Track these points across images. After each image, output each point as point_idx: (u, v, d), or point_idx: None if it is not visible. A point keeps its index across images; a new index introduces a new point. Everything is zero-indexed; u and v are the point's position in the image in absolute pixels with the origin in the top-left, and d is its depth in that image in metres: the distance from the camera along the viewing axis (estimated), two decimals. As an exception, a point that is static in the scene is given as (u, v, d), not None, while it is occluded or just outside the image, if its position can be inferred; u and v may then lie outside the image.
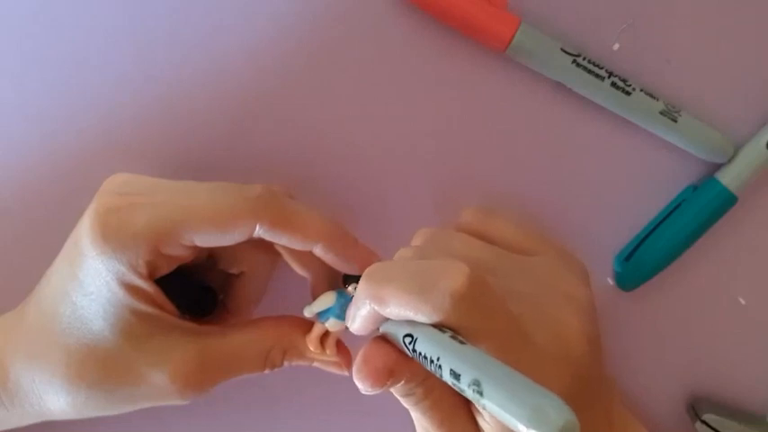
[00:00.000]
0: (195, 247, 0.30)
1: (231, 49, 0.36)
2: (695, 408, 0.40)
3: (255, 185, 0.31)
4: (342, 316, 0.31)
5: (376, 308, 0.26)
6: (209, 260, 0.34)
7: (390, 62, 0.37)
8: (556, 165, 0.39)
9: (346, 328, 0.30)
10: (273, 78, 0.37)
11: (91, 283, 0.29)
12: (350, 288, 0.32)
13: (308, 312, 0.33)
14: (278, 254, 0.34)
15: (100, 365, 0.30)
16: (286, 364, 0.33)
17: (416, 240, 0.33)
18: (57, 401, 0.30)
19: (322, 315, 0.32)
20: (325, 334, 0.33)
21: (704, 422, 0.39)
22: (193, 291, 0.34)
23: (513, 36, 0.35)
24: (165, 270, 0.30)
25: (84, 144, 0.36)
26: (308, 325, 0.33)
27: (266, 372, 0.33)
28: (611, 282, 0.40)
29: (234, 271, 0.34)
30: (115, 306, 0.29)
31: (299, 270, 0.34)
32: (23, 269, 0.32)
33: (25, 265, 0.33)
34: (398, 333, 0.26)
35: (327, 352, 0.33)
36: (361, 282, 0.27)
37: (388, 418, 0.37)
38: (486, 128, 0.38)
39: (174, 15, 0.36)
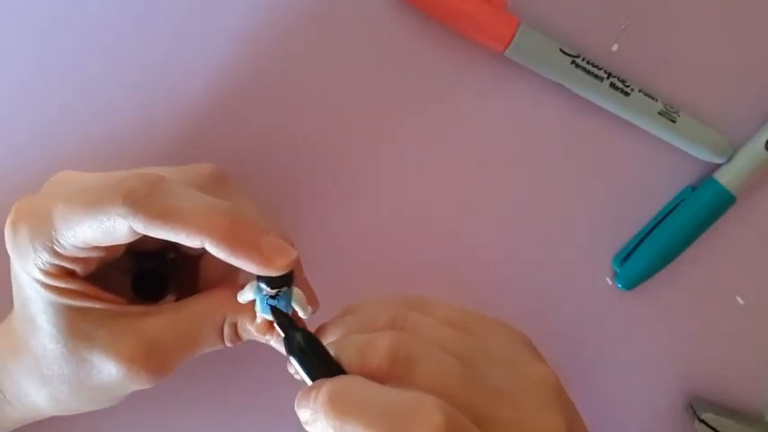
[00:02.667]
0: (101, 248, 0.29)
1: (229, 50, 0.36)
2: (694, 407, 0.40)
3: (132, 175, 0.28)
4: (266, 311, 0.29)
5: None
6: (167, 243, 0.33)
7: (390, 62, 0.37)
8: (554, 165, 0.39)
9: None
10: (272, 78, 0.37)
11: (24, 287, 0.29)
12: (261, 284, 0.29)
13: (240, 299, 0.30)
14: None
15: (61, 361, 0.30)
16: (243, 339, 0.32)
17: (373, 310, 0.30)
18: (40, 397, 0.31)
19: (255, 304, 0.30)
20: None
21: (703, 421, 0.39)
22: (140, 275, 0.33)
23: (512, 37, 0.36)
24: (83, 270, 0.29)
25: (84, 144, 0.36)
26: None
27: (229, 345, 0.32)
28: (609, 281, 0.40)
29: (192, 252, 0.33)
30: (51, 306, 0.29)
31: None
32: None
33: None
34: None
35: (275, 337, 0.31)
36: (321, 401, 0.25)
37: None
38: (485, 128, 0.39)
39: (173, 15, 0.36)
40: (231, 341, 0.31)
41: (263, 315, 0.30)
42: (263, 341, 0.31)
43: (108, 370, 0.29)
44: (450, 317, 0.30)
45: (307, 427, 0.26)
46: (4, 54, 0.36)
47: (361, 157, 0.38)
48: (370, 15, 0.37)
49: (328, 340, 0.29)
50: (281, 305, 0.29)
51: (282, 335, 0.28)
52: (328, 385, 0.25)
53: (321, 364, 0.27)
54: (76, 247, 0.28)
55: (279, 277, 0.28)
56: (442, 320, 0.29)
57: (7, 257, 0.29)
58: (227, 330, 0.31)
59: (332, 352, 0.28)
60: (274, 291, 0.29)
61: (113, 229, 0.27)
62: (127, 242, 0.28)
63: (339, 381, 0.26)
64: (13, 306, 0.32)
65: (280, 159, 0.37)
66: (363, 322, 0.29)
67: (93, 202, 0.27)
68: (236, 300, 0.31)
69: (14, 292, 0.31)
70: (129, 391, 0.31)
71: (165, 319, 0.30)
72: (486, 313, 0.31)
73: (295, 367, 0.28)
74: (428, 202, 0.39)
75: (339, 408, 0.24)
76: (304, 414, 0.26)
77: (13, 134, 0.36)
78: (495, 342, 0.29)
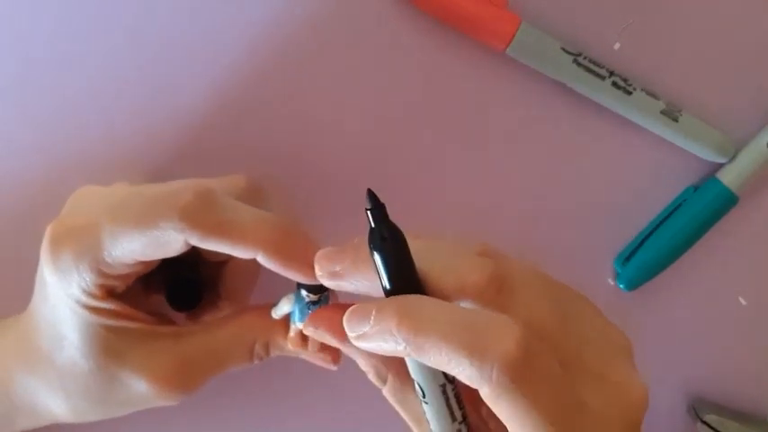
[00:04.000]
0: (144, 263, 0.29)
1: (229, 50, 0.36)
2: (696, 409, 0.40)
3: (186, 190, 0.28)
4: (304, 320, 0.29)
5: (411, 353, 0.23)
6: (193, 251, 0.34)
7: (390, 62, 0.37)
8: (556, 164, 0.39)
9: None
10: (272, 79, 0.37)
11: (58, 306, 0.30)
12: (303, 292, 0.30)
13: (275, 315, 0.31)
14: None
15: (89, 379, 0.30)
16: (273, 354, 0.32)
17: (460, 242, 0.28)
18: (59, 410, 0.31)
19: (291, 316, 0.31)
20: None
21: (705, 423, 0.39)
22: (176, 285, 0.34)
23: (513, 35, 0.35)
24: (123, 286, 0.30)
25: (85, 145, 0.36)
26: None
27: (257, 362, 0.32)
28: (611, 282, 0.40)
29: (217, 259, 0.34)
30: (86, 325, 0.29)
31: None
32: (24, 271, 0.32)
33: (26, 267, 0.32)
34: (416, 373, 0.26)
35: (309, 350, 0.31)
36: (390, 313, 0.24)
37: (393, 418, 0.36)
38: (486, 127, 0.38)
39: (172, 15, 0.36)
40: (259, 359, 0.32)
41: (299, 325, 0.30)
42: (294, 354, 0.32)
43: (137, 388, 0.30)
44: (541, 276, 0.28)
45: (359, 342, 0.25)
46: (2, 54, 0.35)
47: (358, 156, 0.38)
48: (371, 14, 0.37)
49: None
50: (301, 306, 0.30)
51: (372, 224, 0.26)
52: (399, 299, 0.24)
53: (404, 266, 0.25)
54: (124, 264, 0.28)
55: (322, 286, 0.29)
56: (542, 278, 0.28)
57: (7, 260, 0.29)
58: (258, 350, 0.32)
59: (416, 259, 0.26)
60: (317, 296, 0.29)
61: (167, 243, 0.27)
62: (177, 254, 0.28)
63: (409, 296, 0.24)
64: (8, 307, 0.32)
65: (280, 161, 0.37)
66: (456, 247, 0.27)
67: (147, 217, 0.27)
68: (267, 321, 0.31)
69: (42, 311, 0.31)
70: (153, 406, 0.31)
71: (196, 341, 0.31)
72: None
73: (375, 265, 0.25)
74: (427, 202, 0.39)
75: (412, 320, 0.23)
76: (360, 327, 0.25)
77: (13, 136, 0.36)
78: (587, 310, 0.28)
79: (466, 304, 0.25)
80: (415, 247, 0.25)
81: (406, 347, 0.23)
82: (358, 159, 0.38)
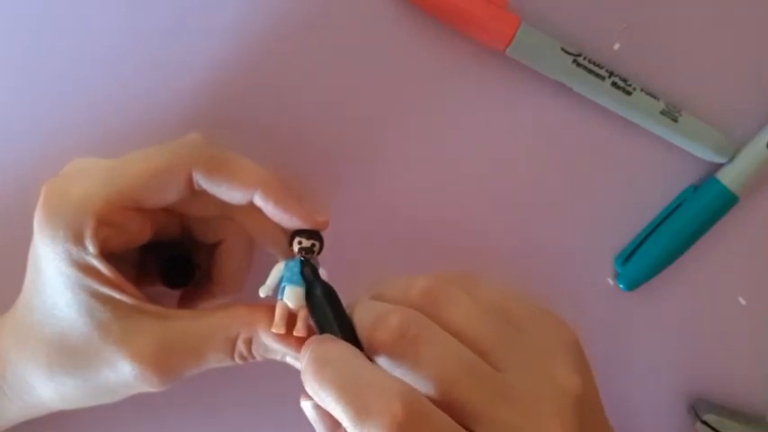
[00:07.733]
0: (142, 211, 0.30)
1: (229, 50, 0.36)
2: (696, 408, 0.40)
3: (189, 134, 0.32)
4: (293, 279, 0.30)
5: (314, 398, 0.25)
6: (185, 234, 0.34)
7: (390, 62, 0.37)
8: (556, 165, 0.39)
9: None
10: (272, 79, 0.37)
11: (47, 270, 0.29)
12: (295, 245, 0.31)
13: (263, 291, 0.31)
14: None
15: (73, 352, 0.30)
16: (258, 357, 0.32)
17: (411, 287, 0.28)
18: (45, 391, 0.31)
19: (279, 291, 0.30)
20: (292, 317, 0.30)
21: (705, 423, 0.39)
22: (169, 261, 0.35)
23: (513, 36, 0.35)
24: (116, 244, 0.30)
25: (85, 145, 0.36)
26: None
27: (239, 362, 0.32)
28: (611, 282, 0.40)
29: (210, 241, 0.34)
30: (73, 291, 0.29)
31: (267, 247, 0.34)
32: (20, 268, 0.32)
33: (22, 263, 0.33)
34: None
35: (294, 334, 0.30)
36: (306, 359, 0.26)
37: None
38: (485, 127, 0.38)
39: (171, 15, 0.36)
40: (242, 358, 0.32)
41: (286, 302, 0.30)
42: (278, 357, 0.31)
43: (117, 366, 0.30)
44: (494, 300, 0.28)
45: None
46: (4, 54, 0.36)
47: (360, 156, 0.38)
48: (371, 14, 0.37)
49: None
50: (301, 279, 0.30)
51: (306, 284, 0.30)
52: (316, 347, 0.26)
53: (334, 320, 0.28)
54: (127, 210, 0.30)
55: (314, 232, 0.31)
56: (482, 303, 0.28)
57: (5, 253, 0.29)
58: (240, 346, 0.31)
59: (350, 311, 0.28)
60: (310, 242, 0.31)
61: (173, 182, 0.30)
62: (173, 201, 0.30)
63: (329, 345, 0.27)
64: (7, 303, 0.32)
65: (279, 159, 0.37)
66: (398, 288, 0.29)
67: (155, 155, 0.30)
68: (253, 315, 0.31)
69: (31, 279, 0.31)
70: (133, 392, 0.31)
71: (180, 325, 0.31)
72: (541, 303, 0.29)
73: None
74: (427, 202, 0.39)
75: (320, 372, 0.25)
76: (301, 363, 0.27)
77: (11, 130, 0.36)
78: (533, 337, 0.28)
79: (381, 359, 0.26)
80: (365, 298, 0.29)
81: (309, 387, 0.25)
82: (356, 158, 0.38)
